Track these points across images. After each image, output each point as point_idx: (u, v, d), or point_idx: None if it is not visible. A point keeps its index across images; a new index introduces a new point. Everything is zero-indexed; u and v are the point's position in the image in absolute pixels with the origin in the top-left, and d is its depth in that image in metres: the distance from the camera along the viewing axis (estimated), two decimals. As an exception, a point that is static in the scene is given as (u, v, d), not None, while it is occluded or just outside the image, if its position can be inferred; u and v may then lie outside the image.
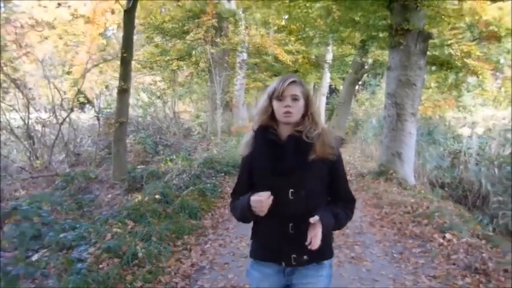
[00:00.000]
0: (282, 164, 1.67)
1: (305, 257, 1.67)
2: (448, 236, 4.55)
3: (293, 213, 1.65)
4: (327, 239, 1.70)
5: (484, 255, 3.92)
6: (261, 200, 1.58)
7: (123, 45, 7.22)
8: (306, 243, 1.58)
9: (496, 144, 10.84)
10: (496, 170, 9.29)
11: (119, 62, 12.93)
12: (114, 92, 13.00)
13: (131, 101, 12.24)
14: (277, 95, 1.69)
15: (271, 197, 1.59)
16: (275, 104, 1.70)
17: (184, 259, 4.07)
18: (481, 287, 3.39)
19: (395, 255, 4.19)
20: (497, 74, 14.21)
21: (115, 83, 15.14)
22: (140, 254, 3.85)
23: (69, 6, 11.64)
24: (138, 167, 8.66)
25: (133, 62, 13.60)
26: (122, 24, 16.14)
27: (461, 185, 9.70)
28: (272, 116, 1.73)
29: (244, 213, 1.69)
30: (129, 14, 7.16)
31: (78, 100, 10.93)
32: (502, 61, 13.82)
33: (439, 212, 5.27)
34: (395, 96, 7.38)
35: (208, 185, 7.11)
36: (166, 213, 5.17)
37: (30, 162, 8.78)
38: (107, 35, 17.88)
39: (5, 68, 7.49)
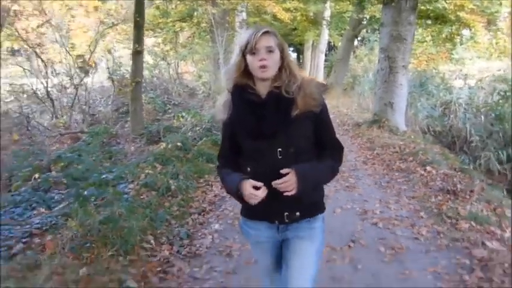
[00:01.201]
0: (265, 125, 1.59)
1: (297, 213, 1.67)
2: (428, 168, 5.38)
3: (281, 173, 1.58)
4: (318, 193, 1.73)
5: (455, 180, 4.76)
6: (256, 195, 1.56)
7: (135, 10, 7.77)
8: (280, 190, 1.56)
9: (484, 93, 11.52)
10: (482, 117, 10.06)
11: (123, 26, 13.47)
12: (118, 55, 13.58)
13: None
14: (250, 49, 1.56)
15: (266, 191, 1.56)
16: (249, 58, 1.58)
17: (208, 191, 4.92)
18: (449, 202, 4.22)
19: (383, 184, 5.03)
20: (490, 26, 14.66)
21: (117, 46, 15.64)
22: (173, 187, 4.69)
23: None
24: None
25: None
26: None
27: (451, 132, 10.47)
28: (246, 72, 1.62)
29: (232, 194, 1.69)
30: (139, -20, 7.67)
31: (86, 64, 11.50)
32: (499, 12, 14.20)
33: (423, 151, 6.08)
34: (388, 51, 8.02)
35: (219, 136, 7.89)
36: (187, 159, 6.00)
37: (52, 122, 9.50)
38: None
39: (25, 36, 8.04)
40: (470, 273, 2.85)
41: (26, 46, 8.27)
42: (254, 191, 1.56)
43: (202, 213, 4.29)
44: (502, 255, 3.03)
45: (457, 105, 11.54)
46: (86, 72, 9.78)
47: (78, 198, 3.96)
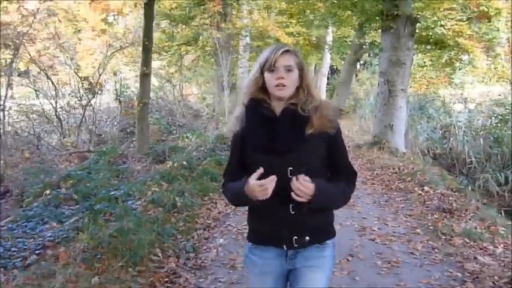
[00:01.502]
0: (278, 142, 1.55)
1: (307, 238, 1.59)
2: (426, 188, 5.55)
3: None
4: (328, 217, 1.66)
5: (451, 199, 4.93)
6: (265, 187, 1.48)
7: (144, 34, 8.11)
8: (293, 196, 1.48)
9: (483, 117, 11.76)
10: (481, 140, 10.27)
11: (129, 49, 13.86)
12: (124, 76, 13.96)
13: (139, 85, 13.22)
14: (269, 66, 1.56)
15: (275, 179, 1.48)
16: (267, 75, 1.57)
17: (212, 208, 5.10)
18: (445, 220, 4.38)
19: (381, 202, 5.21)
20: (489, 51, 15.04)
21: (123, 68, 16.06)
22: (179, 204, 4.88)
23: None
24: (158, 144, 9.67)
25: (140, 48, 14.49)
26: (123, 10, 16.81)
27: (450, 154, 10.67)
28: (263, 88, 1.60)
29: (241, 199, 1.62)
30: (149, 6, 8.04)
31: (91, 85, 11.83)
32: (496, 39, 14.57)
33: (422, 172, 6.26)
34: (387, 75, 8.30)
35: (223, 156, 8.10)
36: (192, 177, 6.18)
37: (60, 141, 9.76)
38: (109, 20, 18.71)
39: (37, 58, 8.38)
40: (462, 285, 3.01)
41: (37, 68, 8.57)
42: (261, 181, 1.48)
43: (207, 229, 4.46)
44: (492, 268, 3.19)
45: (456, 128, 11.78)
46: (94, 94, 10.08)
47: (90, 213, 4.14)
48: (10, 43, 5.95)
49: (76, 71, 11.11)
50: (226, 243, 4.02)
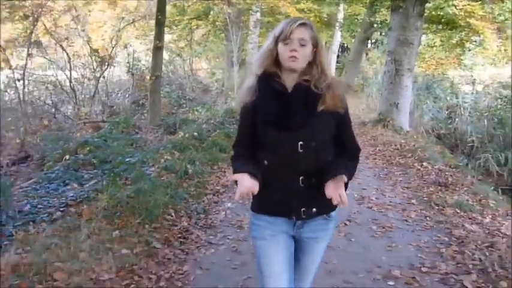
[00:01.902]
0: (290, 118, 1.58)
1: (314, 209, 1.64)
2: (425, 164, 5.82)
3: (304, 166, 1.59)
4: None
5: (447, 174, 5.20)
6: (247, 196, 1.52)
7: (158, 8, 8.30)
8: (335, 203, 1.51)
9: (489, 98, 11.87)
10: (485, 121, 10.44)
11: (141, 22, 14.01)
12: (134, 50, 14.13)
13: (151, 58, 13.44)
14: (283, 37, 1.56)
15: (257, 185, 1.53)
16: (281, 47, 1.58)
17: (221, 176, 5.43)
18: (440, 192, 4.66)
19: (381, 175, 5.49)
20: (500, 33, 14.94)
21: (134, 41, 16.19)
22: (190, 171, 5.21)
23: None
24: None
25: (152, 21, 14.68)
26: None
27: (455, 134, 10.86)
28: (276, 60, 1.61)
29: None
30: (162, -20, 8.20)
31: (102, 58, 12.04)
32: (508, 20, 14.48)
33: (422, 149, 6.51)
34: (394, 54, 8.45)
35: (231, 129, 8.39)
36: (202, 147, 6.50)
37: (75, 111, 10.09)
38: None
39: (53, 30, 8.61)
40: (447, 247, 3.31)
41: (51, 39, 8.82)
42: (250, 190, 1.50)
43: (216, 194, 4.79)
44: (477, 234, 3.49)
45: (462, 109, 11.93)
46: (107, 66, 10.33)
47: (109, 175, 4.48)
48: (29, 14, 6.18)
49: (90, 44, 11.32)
50: (233, 207, 4.35)
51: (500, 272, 2.82)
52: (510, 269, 2.81)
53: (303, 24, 1.59)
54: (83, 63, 10.12)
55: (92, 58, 10.78)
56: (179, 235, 3.66)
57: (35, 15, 6.36)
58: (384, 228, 3.75)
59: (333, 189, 1.51)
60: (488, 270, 2.86)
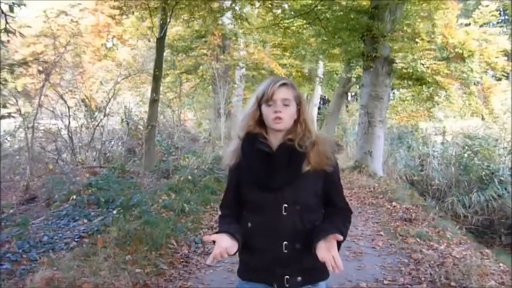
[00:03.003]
0: (274, 178, 1.54)
1: (299, 278, 1.56)
2: (394, 203, 6.59)
3: (287, 230, 1.54)
4: None
5: (412, 211, 5.97)
6: (221, 257, 1.50)
7: (155, 65, 9.24)
8: (329, 267, 1.42)
9: (457, 148, 12.94)
10: (452, 168, 11.41)
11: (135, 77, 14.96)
12: (126, 100, 14.97)
13: (143, 108, 14.35)
14: (266, 99, 1.56)
15: (235, 246, 1.51)
16: (264, 108, 1.57)
17: (214, 214, 6.07)
18: (405, 227, 5.40)
19: (355, 213, 6.20)
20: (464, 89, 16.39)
21: (126, 93, 17.07)
22: (187, 209, 5.86)
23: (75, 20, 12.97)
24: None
25: (144, 74, 15.68)
26: (123, 36, 17.85)
27: (426, 180, 11.77)
28: (260, 121, 1.60)
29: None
30: (160, 41, 9.20)
31: (96, 108, 12.79)
32: (470, 78, 15.94)
33: (392, 191, 7.32)
34: (367, 107, 9.46)
35: (220, 174, 9.10)
36: (195, 190, 7.17)
37: (71, 158, 10.68)
38: (108, 46, 19.87)
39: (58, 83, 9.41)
40: (406, 266, 4.01)
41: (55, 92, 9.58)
42: (225, 251, 1.47)
43: (210, 228, 5.42)
44: (431, 257, 4.20)
45: (432, 157, 12.95)
46: (104, 115, 11.08)
47: (119, 211, 5.11)
48: (41, 69, 6.99)
49: (88, 96, 12.12)
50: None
51: (445, 282, 3.53)
52: (452, 278, 3.52)
53: (284, 84, 1.59)
54: (84, 114, 10.81)
55: (89, 109, 11.55)
56: (181, 260, 4.28)
57: (47, 71, 7.16)
58: (355, 253, 4.44)
59: (326, 251, 1.43)
60: (436, 281, 3.57)
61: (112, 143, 13.65)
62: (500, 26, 21.12)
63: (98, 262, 3.86)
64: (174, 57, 18.62)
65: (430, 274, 3.72)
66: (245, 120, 1.65)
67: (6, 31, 4.72)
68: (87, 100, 11.67)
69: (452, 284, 3.45)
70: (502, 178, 9.32)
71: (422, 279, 3.66)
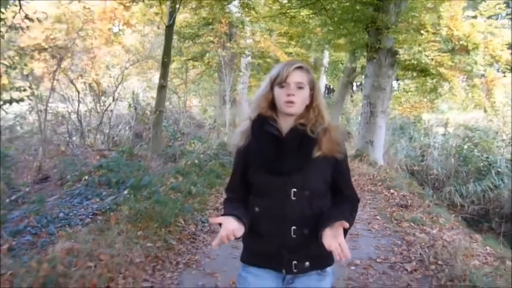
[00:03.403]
0: (283, 163, 1.52)
1: (307, 263, 1.55)
2: (392, 191, 6.87)
3: (296, 215, 1.52)
4: None
5: (409, 198, 6.24)
6: (227, 240, 1.45)
7: (164, 52, 9.46)
8: (335, 254, 1.39)
9: (457, 139, 13.16)
10: (452, 159, 11.65)
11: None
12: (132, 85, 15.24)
13: (150, 94, 14.64)
14: (279, 81, 1.53)
15: (242, 229, 1.48)
16: (277, 91, 1.55)
17: (219, 197, 6.37)
18: (401, 212, 5.68)
19: (354, 199, 6.50)
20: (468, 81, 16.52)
21: (133, 78, 17.32)
22: (194, 191, 6.16)
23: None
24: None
25: (151, 61, 15.91)
26: (130, 21, 18.02)
27: (426, 170, 12.03)
28: (272, 104, 1.58)
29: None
30: (169, 28, 9.42)
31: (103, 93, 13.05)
32: (474, 71, 16.08)
33: (391, 179, 7.58)
34: (370, 98, 9.67)
35: (225, 160, 9.40)
36: (201, 173, 7.47)
37: (80, 140, 10.99)
38: (114, 31, 20.06)
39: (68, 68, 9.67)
40: (399, 247, 4.30)
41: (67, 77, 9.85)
42: (231, 233, 1.44)
43: (216, 210, 5.73)
44: (422, 239, 4.48)
45: (433, 148, 13.19)
46: (113, 100, 11.36)
47: (130, 191, 5.41)
48: (57, 55, 7.25)
49: (96, 81, 12.38)
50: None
51: (433, 261, 3.81)
52: (440, 258, 3.81)
53: (299, 68, 1.57)
54: (93, 98, 11.08)
55: (96, 94, 11.82)
56: (189, 236, 4.59)
57: (60, 56, 7.42)
58: (351, 235, 4.72)
59: (332, 238, 1.41)
60: (425, 260, 3.85)
61: (119, 127, 13.95)
62: (510, 18, 21.15)
63: (112, 236, 4.16)
64: (180, 44, 18.85)
65: (420, 254, 4.01)
66: (257, 101, 1.63)
67: (27, 18, 4.97)
68: (95, 84, 11.95)
69: (439, 262, 3.73)
70: (499, 169, 9.56)
71: (412, 258, 3.95)
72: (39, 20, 5.16)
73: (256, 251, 1.63)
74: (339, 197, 1.63)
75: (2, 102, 5.06)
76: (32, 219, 4.81)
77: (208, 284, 3.51)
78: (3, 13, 4.63)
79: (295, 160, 1.54)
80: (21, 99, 5.51)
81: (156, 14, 15.11)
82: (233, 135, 1.74)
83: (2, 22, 4.69)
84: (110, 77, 12.49)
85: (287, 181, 1.53)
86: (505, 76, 17.82)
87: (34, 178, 7.30)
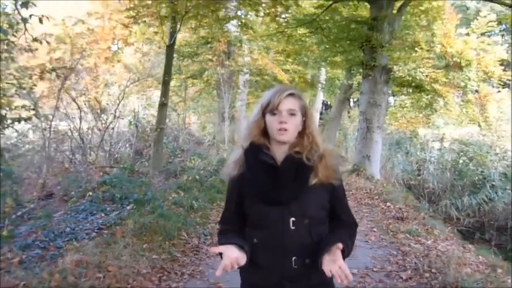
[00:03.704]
0: (280, 192, 1.50)
1: None
2: (388, 204, 7.05)
3: (296, 245, 1.50)
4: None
5: (405, 211, 6.42)
6: (231, 268, 1.42)
7: (165, 71, 9.73)
8: (338, 279, 1.35)
9: (453, 154, 13.38)
10: (448, 173, 11.86)
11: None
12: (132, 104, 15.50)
13: (149, 111, 14.91)
14: (271, 108, 1.52)
15: (244, 257, 1.47)
16: (268, 118, 1.53)
17: (220, 211, 6.52)
18: (397, 224, 5.85)
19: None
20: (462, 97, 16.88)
21: (132, 97, 17.57)
22: (195, 206, 6.33)
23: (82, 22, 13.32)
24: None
25: (151, 79, 16.18)
26: (129, 40, 18.32)
27: (422, 184, 12.22)
28: (264, 131, 1.56)
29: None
30: (170, 47, 9.72)
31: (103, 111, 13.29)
32: (468, 87, 16.45)
33: (387, 192, 7.77)
34: (366, 114, 9.92)
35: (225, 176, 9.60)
36: (202, 189, 7.65)
37: (82, 158, 11.17)
38: (113, 49, 20.43)
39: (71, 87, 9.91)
40: (395, 257, 4.47)
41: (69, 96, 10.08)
42: (235, 262, 1.42)
43: (217, 223, 5.89)
44: (417, 249, 4.66)
45: (429, 162, 13.41)
46: (115, 118, 11.57)
47: (133, 206, 5.58)
48: (61, 75, 7.50)
49: (97, 99, 12.62)
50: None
51: (427, 269, 3.99)
52: (433, 267, 3.98)
53: (291, 95, 1.54)
54: (94, 116, 11.30)
55: (95, 111, 12.06)
56: (192, 249, 4.76)
57: (65, 76, 7.67)
58: (349, 246, 4.89)
59: (331, 263, 1.38)
60: (419, 269, 4.03)
61: (119, 144, 14.15)
62: (502, 35, 21.66)
63: (119, 249, 4.33)
64: (180, 62, 19.21)
65: (415, 263, 4.18)
66: (249, 129, 1.62)
67: (35, 40, 5.21)
68: (96, 103, 12.19)
69: (433, 271, 3.90)
70: (494, 183, 9.76)
71: (407, 267, 4.12)
72: (47, 42, 5.39)
73: (255, 283, 1.61)
74: (336, 222, 1.61)
75: (10, 121, 5.25)
76: (40, 234, 4.98)
77: (213, 293, 3.66)
78: (14, 36, 4.86)
79: (292, 189, 1.51)
80: (29, 118, 5.70)
81: (156, 33, 15.48)
82: (225, 165, 1.69)
83: (11, 46, 4.89)
84: (109, 95, 12.76)
85: (285, 210, 1.51)
86: (499, 91, 18.22)
87: (39, 195, 7.45)
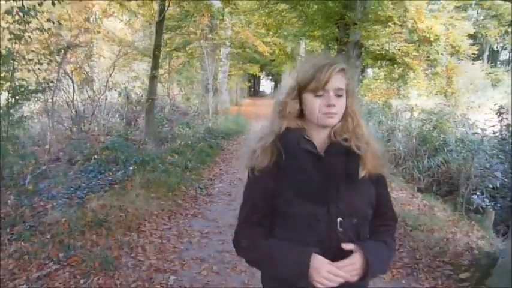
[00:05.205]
0: (327, 187, 1.22)
1: None
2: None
3: (343, 251, 1.22)
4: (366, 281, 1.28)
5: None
6: (337, 278, 1.18)
7: (155, 45, 10.47)
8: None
9: (420, 122, 14.61)
10: (414, 139, 13.10)
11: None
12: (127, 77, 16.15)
13: (137, 83, 15.65)
14: (314, 88, 1.22)
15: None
16: (310, 99, 1.24)
17: (211, 170, 7.55)
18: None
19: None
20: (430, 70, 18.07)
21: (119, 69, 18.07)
22: (190, 166, 7.31)
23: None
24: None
25: (135, 52, 16.75)
26: (108, 10, 18.56)
27: (392, 151, 13.45)
28: (299, 114, 1.28)
29: (285, 271, 1.24)
30: (159, 24, 10.42)
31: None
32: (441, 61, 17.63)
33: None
34: (340, 85, 10.92)
35: (212, 141, 10.57)
36: (193, 153, 8.62)
37: (77, 128, 11.94)
38: (92, 21, 20.72)
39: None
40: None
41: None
42: (335, 272, 1.18)
43: (209, 180, 6.92)
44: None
45: (398, 130, 14.63)
46: (106, 89, 12.31)
47: (139, 164, 6.53)
48: (63, 50, 8.19)
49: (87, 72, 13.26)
50: (222, 186, 6.51)
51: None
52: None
53: (342, 70, 1.26)
54: (87, 87, 12.02)
55: (92, 83, 12.76)
56: (191, 198, 5.77)
57: (64, 51, 8.36)
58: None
59: (349, 260, 1.21)
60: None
61: (109, 115, 14.90)
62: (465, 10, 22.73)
63: (132, 197, 5.31)
64: (164, 34, 19.72)
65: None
66: (280, 111, 1.32)
67: (48, 20, 5.97)
68: (87, 76, 12.87)
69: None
70: (450, 147, 11.00)
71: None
72: (59, 23, 6.14)
73: None
74: (381, 220, 1.37)
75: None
76: (60, 188, 5.90)
77: (213, 226, 4.69)
78: (33, 17, 5.61)
79: (341, 183, 1.25)
80: (44, 89, 6.51)
81: (139, 6, 16.03)
82: (245, 153, 1.38)
83: (27, 26, 5.63)
84: (95, 67, 13.43)
85: (332, 209, 1.24)
86: (473, 64, 19.37)
87: (47, 159, 8.29)
